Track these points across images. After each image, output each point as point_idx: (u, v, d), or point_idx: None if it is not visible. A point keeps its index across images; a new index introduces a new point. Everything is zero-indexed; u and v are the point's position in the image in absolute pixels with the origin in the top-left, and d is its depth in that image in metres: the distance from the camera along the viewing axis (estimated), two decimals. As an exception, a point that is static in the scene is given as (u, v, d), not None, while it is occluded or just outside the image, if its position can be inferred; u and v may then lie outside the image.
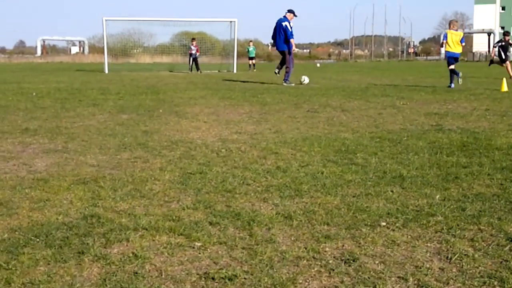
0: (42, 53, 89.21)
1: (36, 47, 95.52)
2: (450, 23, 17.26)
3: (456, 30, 16.58)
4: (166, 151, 6.08)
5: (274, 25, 18.18)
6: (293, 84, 17.57)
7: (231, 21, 33.59)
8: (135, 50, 57.23)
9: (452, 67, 16.03)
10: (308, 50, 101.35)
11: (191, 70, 30.60)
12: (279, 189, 4.46)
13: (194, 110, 10.27)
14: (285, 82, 17.94)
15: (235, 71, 31.40)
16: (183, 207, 3.96)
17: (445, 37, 16.38)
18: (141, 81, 20.69)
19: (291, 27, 17.95)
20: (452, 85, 15.78)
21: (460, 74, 15.86)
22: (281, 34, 18.08)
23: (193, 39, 32.80)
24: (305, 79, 18.68)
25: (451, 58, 16.31)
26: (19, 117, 9.15)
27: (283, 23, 18.04)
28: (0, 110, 10.11)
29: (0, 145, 6.48)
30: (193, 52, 31.19)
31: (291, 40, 18.02)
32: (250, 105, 11.15)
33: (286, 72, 18.21)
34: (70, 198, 4.20)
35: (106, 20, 31.47)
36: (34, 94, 13.58)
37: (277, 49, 18.90)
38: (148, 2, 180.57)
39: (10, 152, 6.05)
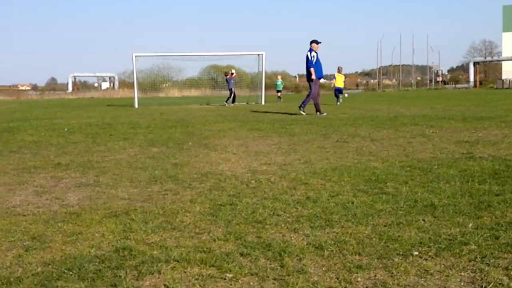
0: (73, 89, 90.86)
1: (67, 83, 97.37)
2: (338, 68, 29.38)
3: (340, 73, 29.21)
4: (196, 183, 6.12)
5: (303, 57, 18.51)
6: (304, 113, 17.98)
7: (259, 54, 33.89)
8: (164, 85, 58.00)
9: (339, 95, 28.56)
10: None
11: (231, 103, 30.71)
12: (309, 219, 4.44)
13: (223, 142, 10.33)
14: (300, 108, 18.20)
15: (263, 103, 31.56)
16: (214, 238, 3.97)
17: (334, 77, 29.35)
18: (171, 114, 20.89)
19: (312, 56, 18.14)
20: (338, 103, 27.20)
21: (340, 99, 28.48)
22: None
23: (226, 72, 33.04)
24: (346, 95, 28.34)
25: (337, 90, 28.80)
26: (51, 152, 9.29)
27: (306, 53, 18.27)
28: (33, 146, 10.29)
29: (33, 180, 6.58)
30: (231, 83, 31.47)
31: (311, 69, 18.20)
32: (279, 136, 11.17)
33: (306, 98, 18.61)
34: (102, 231, 4.23)
35: (136, 56, 32.04)
36: (65, 129, 13.80)
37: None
38: (177, 38, 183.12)
39: (43, 187, 6.14)
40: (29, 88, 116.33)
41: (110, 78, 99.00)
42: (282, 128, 12.97)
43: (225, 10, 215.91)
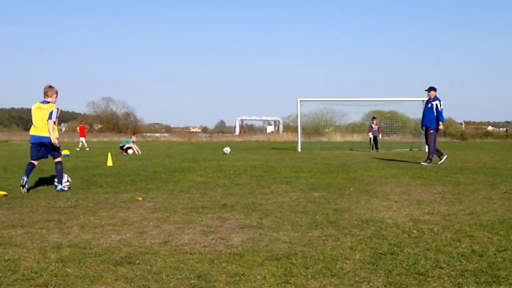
0: (240, 132, 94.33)
1: (235, 126, 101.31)
2: None
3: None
4: (356, 230, 6.10)
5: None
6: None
7: (423, 100, 33.21)
8: (327, 129, 58.41)
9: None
10: (505, 129, 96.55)
11: (376, 149, 30.48)
12: (474, 274, 4.28)
13: (384, 189, 10.21)
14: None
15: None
16: (373, 288, 3.94)
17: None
18: (332, 159, 20.99)
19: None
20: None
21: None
22: None
23: (374, 117, 32.89)
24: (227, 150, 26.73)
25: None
26: (218, 193, 9.70)
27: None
28: (201, 186, 10.80)
29: (201, 220, 6.90)
30: (374, 130, 31.24)
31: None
32: (442, 185, 10.84)
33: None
34: (263, 273, 4.35)
35: (300, 100, 32.76)
36: (231, 171, 14.33)
37: None
38: (341, 84, 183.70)
39: (209, 227, 6.42)
40: (199, 130, 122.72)
41: (275, 121, 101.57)
42: (446, 176, 12.57)
43: (388, 55, 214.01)
